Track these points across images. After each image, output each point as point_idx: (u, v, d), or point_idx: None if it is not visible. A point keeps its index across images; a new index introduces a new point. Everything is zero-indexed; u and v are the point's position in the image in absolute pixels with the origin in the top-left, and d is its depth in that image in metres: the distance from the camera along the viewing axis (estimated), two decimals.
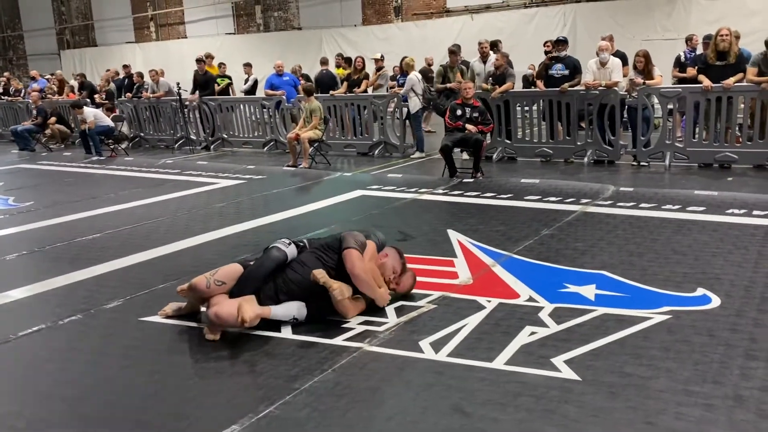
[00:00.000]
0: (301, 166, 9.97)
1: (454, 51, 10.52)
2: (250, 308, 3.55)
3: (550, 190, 7.19)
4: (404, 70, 10.94)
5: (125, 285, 4.69)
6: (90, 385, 3.22)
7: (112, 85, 15.45)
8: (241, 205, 7.47)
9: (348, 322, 3.76)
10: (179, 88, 12.87)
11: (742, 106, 8.48)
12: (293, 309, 3.73)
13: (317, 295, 3.73)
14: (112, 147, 12.96)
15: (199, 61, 13.41)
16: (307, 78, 12.99)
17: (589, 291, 4.09)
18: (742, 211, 5.89)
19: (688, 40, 10.20)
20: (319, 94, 11.36)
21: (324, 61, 12.98)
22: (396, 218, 6.41)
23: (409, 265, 4.20)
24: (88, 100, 15.03)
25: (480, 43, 10.41)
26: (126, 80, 15.36)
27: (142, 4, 28.53)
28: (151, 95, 13.77)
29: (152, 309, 4.13)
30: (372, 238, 4.11)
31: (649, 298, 3.95)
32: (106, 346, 3.68)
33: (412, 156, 10.70)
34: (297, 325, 3.73)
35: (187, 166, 10.73)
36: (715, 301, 3.83)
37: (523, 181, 7.82)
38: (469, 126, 8.32)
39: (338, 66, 13.41)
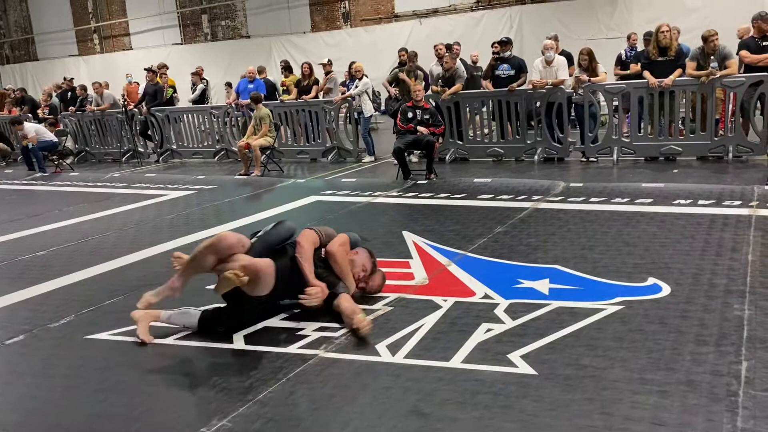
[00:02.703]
0: (253, 174, 9.83)
1: (411, 57, 10.54)
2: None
3: (503, 189, 7.24)
4: (353, 75, 10.92)
5: (70, 303, 4.51)
6: (32, 409, 3.06)
7: (55, 99, 15.00)
8: (191, 216, 7.30)
9: (303, 329, 3.68)
10: (124, 100, 12.57)
11: (684, 100, 8.71)
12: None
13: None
14: (56, 163, 12.57)
15: (148, 71, 13.13)
16: (268, 83, 12.71)
17: (543, 285, 4.11)
18: (688, 201, 6.04)
19: (628, 38, 10.46)
20: (269, 101, 11.24)
21: (261, 70, 12.80)
22: (351, 222, 6.35)
23: None
24: (30, 115, 14.54)
25: (436, 47, 10.44)
26: (69, 94, 14.93)
27: (85, 16, 27.84)
28: (95, 108, 13.40)
29: (98, 326, 3.98)
30: (348, 234, 4.10)
31: (601, 289, 3.99)
32: (49, 367, 3.52)
33: (364, 161, 10.68)
34: (250, 335, 3.63)
35: (135, 179, 10.46)
36: (666, 290, 3.88)
37: (475, 180, 7.86)
38: (420, 128, 8.34)
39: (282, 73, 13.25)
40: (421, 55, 10.79)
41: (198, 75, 13.55)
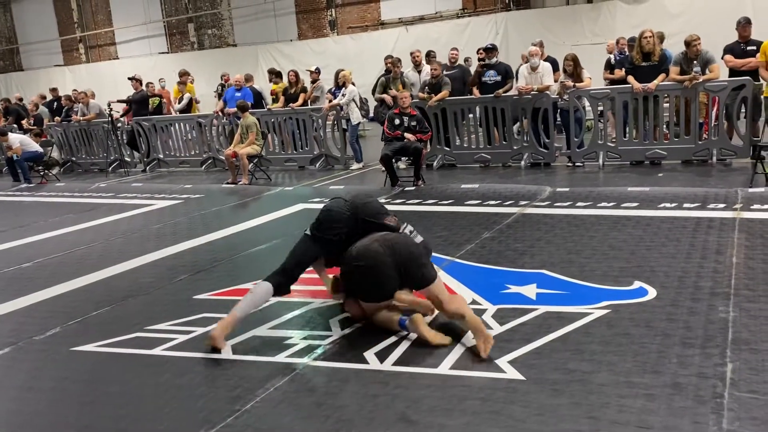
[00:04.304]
0: (240, 182, 9.80)
1: (395, 62, 10.59)
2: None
3: (490, 194, 7.27)
4: (339, 83, 10.93)
5: (56, 315, 4.47)
6: (17, 423, 3.03)
7: (43, 109, 14.90)
8: (178, 226, 7.27)
9: (291, 338, 3.67)
10: (110, 110, 12.52)
11: (668, 104, 8.79)
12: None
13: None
14: (42, 173, 12.48)
15: (132, 80, 13.09)
16: (254, 91, 12.67)
17: (530, 290, 4.13)
18: (673, 205, 6.08)
19: (617, 42, 10.54)
20: (256, 110, 11.23)
21: (248, 78, 12.79)
22: None
23: None
24: (15, 125, 14.44)
25: (412, 54, 10.53)
26: (54, 104, 14.84)
27: (70, 25, 27.75)
28: (81, 118, 13.33)
29: (85, 338, 3.95)
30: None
31: (588, 294, 4.01)
32: (35, 380, 3.49)
33: (351, 168, 10.68)
34: (237, 344, 3.62)
35: (121, 189, 10.41)
36: (651, 293, 3.91)
37: (463, 186, 7.89)
38: (407, 135, 8.36)
39: (271, 81, 13.26)
40: (407, 62, 10.84)
41: (183, 84, 13.50)
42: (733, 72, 8.49)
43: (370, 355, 3.37)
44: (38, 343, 3.99)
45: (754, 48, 8.26)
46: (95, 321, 4.27)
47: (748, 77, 8.09)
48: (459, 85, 10.10)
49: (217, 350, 3.54)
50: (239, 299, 3.76)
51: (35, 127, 14.10)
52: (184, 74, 13.41)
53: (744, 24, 8.44)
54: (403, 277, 3.59)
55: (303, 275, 3.87)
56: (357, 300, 3.76)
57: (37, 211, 9.11)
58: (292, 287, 3.82)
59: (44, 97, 15.77)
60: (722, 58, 8.55)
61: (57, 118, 14.03)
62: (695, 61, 8.30)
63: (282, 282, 3.73)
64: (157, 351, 3.67)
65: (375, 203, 4.00)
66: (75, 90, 13.82)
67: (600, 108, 8.97)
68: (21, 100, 16.23)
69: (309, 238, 3.85)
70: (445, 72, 10.04)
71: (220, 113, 11.83)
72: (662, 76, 8.37)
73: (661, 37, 9.25)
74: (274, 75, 13.06)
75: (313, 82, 11.66)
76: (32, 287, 5.18)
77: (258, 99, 12.07)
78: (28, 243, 6.99)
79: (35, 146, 12.53)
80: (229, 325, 3.62)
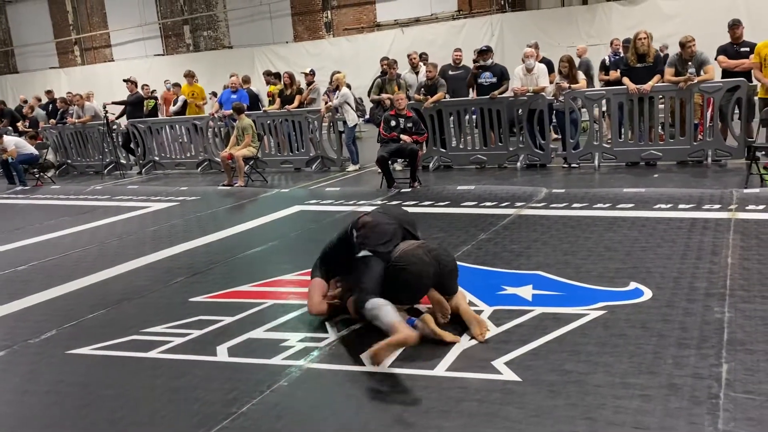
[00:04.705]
0: (236, 184, 9.80)
1: (391, 64, 10.61)
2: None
3: (486, 196, 7.28)
4: (334, 85, 10.95)
5: (51, 318, 4.46)
6: (12, 427, 3.02)
7: (39, 111, 14.86)
8: (174, 228, 7.25)
9: (287, 340, 3.67)
10: (106, 112, 12.50)
11: (663, 105, 8.82)
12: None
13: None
14: (37, 176, 12.45)
15: (127, 81, 13.07)
16: (251, 93, 12.62)
17: (527, 292, 4.13)
18: (669, 206, 6.10)
19: (611, 44, 10.58)
20: (251, 112, 11.23)
21: (245, 80, 12.80)
22: (335, 231, 6.30)
23: None
24: (10, 128, 14.41)
25: (409, 56, 10.55)
26: (50, 106, 14.81)
27: (65, 28, 27.69)
28: (76, 120, 13.30)
29: (80, 341, 3.94)
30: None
31: (584, 295, 4.01)
32: (30, 383, 3.47)
33: (348, 169, 10.69)
34: (233, 347, 3.62)
35: (117, 192, 10.39)
36: (647, 294, 3.92)
37: (459, 188, 7.89)
38: (403, 136, 8.36)
39: (268, 83, 13.26)
40: (403, 64, 10.86)
41: (179, 86, 13.47)
42: (726, 73, 8.52)
43: (366, 357, 3.36)
44: (33, 347, 3.98)
45: (747, 49, 8.31)
46: (91, 324, 4.26)
47: (742, 78, 8.13)
48: (465, 86, 10.12)
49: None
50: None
51: (30, 130, 14.07)
52: (188, 75, 13.14)
53: (734, 26, 8.46)
54: (436, 286, 3.66)
55: (300, 278, 3.87)
56: None
57: (33, 214, 9.09)
58: (291, 289, 3.81)
59: (39, 100, 15.74)
60: (715, 59, 8.58)
61: (52, 121, 14.00)
62: (690, 63, 8.34)
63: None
64: (153, 354, 3.66)
65: (407, 213, 4.17)
66: (70, 92, 13.77)
67: (595, 109, 9.00)
68: (25, 102, 16.09)
69: (379, 256, 3.61)
70: (450, 72, 10.05)
71: (215, 115, 11.82)
72: (657, 77, 8.40)
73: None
74: (272, 76, 13.04)
75: (309, 84, 11.66)
76: (27, 290, 5.17)
77: (255, 101, 12.06)
78: (23, 246, 6.97)
79: (30, 149, 12.49)
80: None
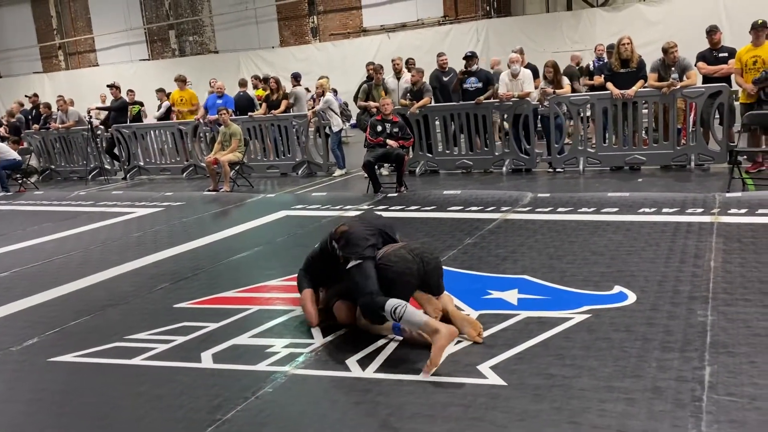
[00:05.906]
0: (222, 190, 9.75)
1: (377, 69, 10.62)
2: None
3: (472, 200, 7.30)
4: (319, 91, 10.93)
5: (33, 325, 4.41)
6: None
7: (21, 117, 14.68)
8: (159, 234, 7.20)
9: (272, 346, 3.65)
10: (90, 117, 12.40)
11: (646, 110, 8.90)
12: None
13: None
14: (20, 182, 12.32)
15: (111, 87, 12.98)
16: (246, 96, 12.48)
17: (512, 296, 4.14)
18: (653, 210, 6.15)
19: (595, 49, 10.66)
20: (238, 116, 11.19)
21: (242, 83, 12.79)
22: (320, 236, 6.30)
23: None
24: None
25: (393, 60, 10.56)
26: (33, 111, 14.65)
27: (49, 32, 27.48)
28: (60, 126, 13.19)
29: (63, 348, 3.89)
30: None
31: (569, 298, 4.03)
32: (11, 391, 3.43)
33: (334, 174, 10.68)
34: (218, 353, 3.60)
35: (101, 197, 10.31)
36: (632, 298, 3.94)
37: (445, 192, 7.91)
38: (390, 141, 8.37)
39: (256, 87, 13.23)
40: (388, 69, 10.87)
41: (163, 92, 13.39)
42: (706, 78, 8.61)
43: (352, 362, 3.36)
44: (15, 354, 3.93)
45: (726, 54, 8.40)
46: (73, 331, 4.21)
47: (724, 83, 8.22)
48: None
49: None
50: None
51: (12, 135, 13.92)
52: (179, 80, 12.88)
53: (711, 32, 8.55)
54: (422, 285, 3.67)
55: (286, 284, 3.85)
56: (349, 304, 3.75)
57: (15, 220, 8.99)
58: (277, 295, 3.79)
59: (22, 105, 15.55)
60: (695, 65, 8.68)
61: (35, 126, 13.86)
62: (673, 68, 8.42)
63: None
64: (137, 361, 3.62)
65: (385, 218, 4.23)
66: (60, 97, 13.57)
67: (579, 114, 9.07)
68: (22, 105, 15.76)
69: (369, 260, 3.60)
70: (445, 78, 10.05)
71: (201, 120, 11.76)
72: (641, 82, 8.48)
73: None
74: (261, 81, 12.98)
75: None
76: (9, 297, 5.10)
77: (251, 104, 11.97)
78: (5, 252, 6.89)
79: (13, 154, 12.35)
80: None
